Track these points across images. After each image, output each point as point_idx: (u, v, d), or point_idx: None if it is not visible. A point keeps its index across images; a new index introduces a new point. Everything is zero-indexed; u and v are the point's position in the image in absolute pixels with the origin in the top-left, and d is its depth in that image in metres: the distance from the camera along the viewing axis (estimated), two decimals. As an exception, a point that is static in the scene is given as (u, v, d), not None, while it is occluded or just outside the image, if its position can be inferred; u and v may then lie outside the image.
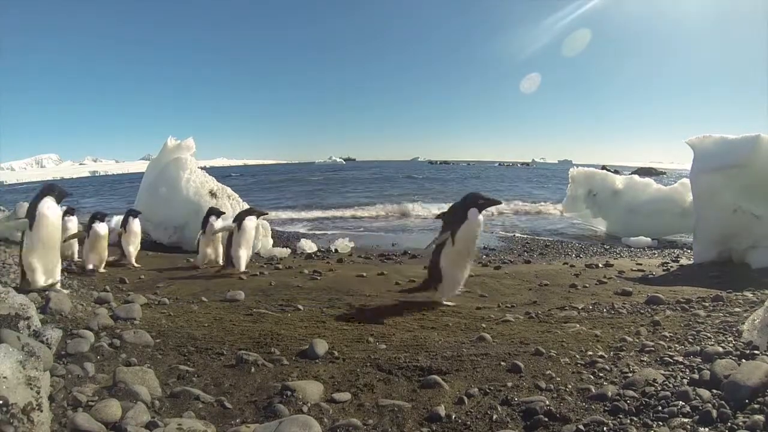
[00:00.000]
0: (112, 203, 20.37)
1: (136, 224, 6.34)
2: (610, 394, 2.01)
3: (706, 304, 3.55)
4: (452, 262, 3.87)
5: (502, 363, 2.48)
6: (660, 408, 1.85)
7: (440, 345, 2.82)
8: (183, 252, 7.50)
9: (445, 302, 3.92)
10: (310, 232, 11.55)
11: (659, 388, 1.99)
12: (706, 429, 1.67)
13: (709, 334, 2.70)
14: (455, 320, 3.44)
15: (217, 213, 6.44)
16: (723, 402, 1.79)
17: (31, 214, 3.86)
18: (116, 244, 6.22)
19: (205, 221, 6.31)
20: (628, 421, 1.80)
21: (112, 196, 27.77)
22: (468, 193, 4.00)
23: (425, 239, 10.77)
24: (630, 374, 2.22)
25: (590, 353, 2.56)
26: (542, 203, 17.54)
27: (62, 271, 5.38)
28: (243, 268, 5.64)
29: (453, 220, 3.88)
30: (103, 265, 5.70)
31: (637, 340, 2.74)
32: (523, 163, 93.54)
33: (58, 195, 4.00)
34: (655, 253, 8.12)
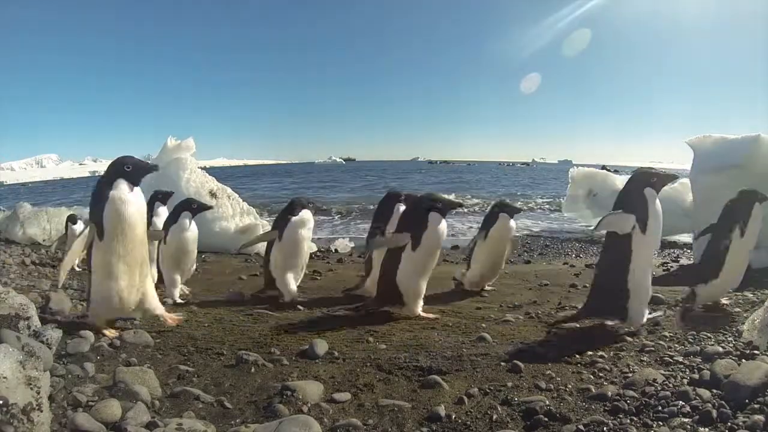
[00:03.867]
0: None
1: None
2: (610, 394, 2.01)
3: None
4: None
5: (502, 363, 2.48)
6: (660, 408, 1.85)
7: (440, 345, 2.82)
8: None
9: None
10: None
11: (659, 388, 2.00)
12: (706, 429, 1.68)
13: (709, 334, 2.71)
14: (455, 320, 3.44)
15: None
16: (723, 402, 1.79)
17: (281, 225, 3.95)
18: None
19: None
20: (628, 421, 1.80)
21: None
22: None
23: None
24: (630, 374, 2.23)
25: (590, 353, 2.56)
26: (542, 203, 17.53)
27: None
28: None
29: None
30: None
31: (637, 340, 2.74)
32: (523, 163, 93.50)
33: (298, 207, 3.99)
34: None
